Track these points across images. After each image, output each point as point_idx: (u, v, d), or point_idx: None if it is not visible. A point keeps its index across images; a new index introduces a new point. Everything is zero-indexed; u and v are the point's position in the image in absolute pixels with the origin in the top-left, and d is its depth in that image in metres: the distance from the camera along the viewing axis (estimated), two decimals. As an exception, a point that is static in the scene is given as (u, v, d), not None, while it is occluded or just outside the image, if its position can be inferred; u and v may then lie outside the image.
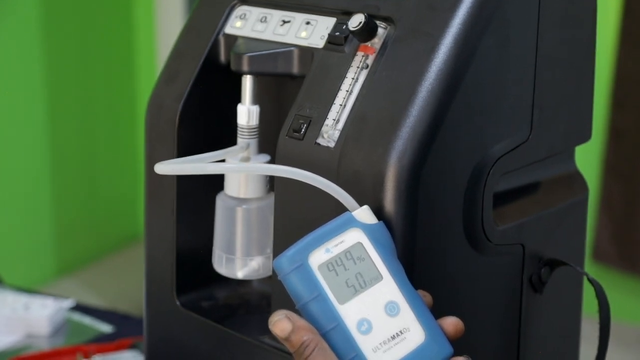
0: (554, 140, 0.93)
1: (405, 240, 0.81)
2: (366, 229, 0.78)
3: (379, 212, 0.80)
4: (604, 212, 2.83)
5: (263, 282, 1.03)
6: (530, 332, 0.95)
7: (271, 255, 0.93)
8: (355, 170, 0.81)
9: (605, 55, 2.74)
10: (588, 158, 2.79)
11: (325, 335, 0.74)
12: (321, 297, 0.75)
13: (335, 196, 0.78)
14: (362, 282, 0.76)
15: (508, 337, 0.94)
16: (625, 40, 2.73)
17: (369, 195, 0.80)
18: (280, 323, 0.74)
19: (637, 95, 2.75)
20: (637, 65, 2.73)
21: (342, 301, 0.75)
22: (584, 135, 0.97)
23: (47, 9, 2.97)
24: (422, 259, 0.82)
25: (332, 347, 0.74)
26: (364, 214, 0.78)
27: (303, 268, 0.75)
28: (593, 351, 0.93)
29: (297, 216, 0.86)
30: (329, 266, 0.76)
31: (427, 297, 0.79)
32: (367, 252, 0.77)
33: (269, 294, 0.98)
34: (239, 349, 0.95)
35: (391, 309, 0.76)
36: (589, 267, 2.77)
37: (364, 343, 0.75)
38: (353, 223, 0.78)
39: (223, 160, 0.93)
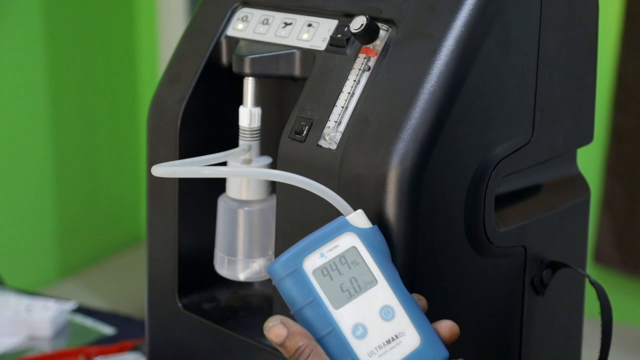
0: (556, 142, 0.93)
1: (407, 242, 0.81)
2: (360, 233, 0.78)
3: (380, 214, 0.80)
4: (605, 214, 2.83)
5: (264, 284, 1.03)
6: (532, 335, 0.95)
7: (273, 257, 0.93)
8: (357, 173, 0.81)
9: (606, 57, 2.74)
10: (589, 160, 2.78)
11: (320, 341, 0.74)
12: (316, 302, 0.75)
13: (329, 200, 0.78)
14: (356, 287, 0.76)
15: (509, 339, 0.93)
16: (627, 42, 2.72)
17: (370, 198, 0.80)
18: (275, 329, 0.74)
19: (639, 97, 2.75)
20: (638, 67, 2.73)
21: (337, 306, 0.75)
22: (586, 138, 0.97)
23: (48, 11, 2.97)
24: (424, 261, 0.82)
25: (328, 352, 0.74)
26: (358, 218, 0.78)
27: (297, 273, 0.75)
28: (595, 354, 0.93)
29: (299, 218, 0.86)
30: (324, 271, 0.76)
31: (422, 300, 0.79)
32: (361, 257, 0.77)
33: (270, 296, 0.98)
34: (241, 350, 0.95)
35: (386, 313, 0.76)
36: (590, 269, 2.76)
37: (360, 348, 0.75)
38: (347, 227, 0.77)
39: (224, 163, 0.93)
